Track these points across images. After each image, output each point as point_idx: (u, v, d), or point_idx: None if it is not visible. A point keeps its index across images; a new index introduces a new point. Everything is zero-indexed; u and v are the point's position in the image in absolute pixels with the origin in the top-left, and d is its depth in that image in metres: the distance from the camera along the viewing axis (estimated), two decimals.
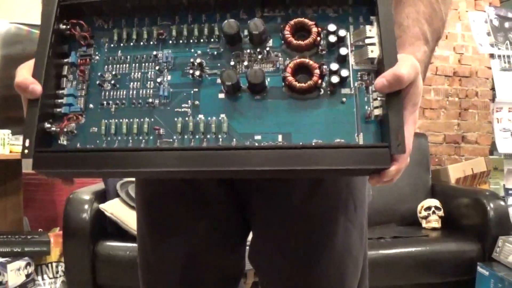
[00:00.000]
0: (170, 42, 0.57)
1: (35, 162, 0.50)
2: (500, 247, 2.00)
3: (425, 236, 2.21)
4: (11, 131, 2.11)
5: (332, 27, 0.53)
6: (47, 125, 0.53)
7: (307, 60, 0.52)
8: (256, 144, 0.51)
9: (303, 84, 0.51)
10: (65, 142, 0.54)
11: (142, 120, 0.54)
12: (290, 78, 0.51)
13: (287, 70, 0.52)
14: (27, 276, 1.95)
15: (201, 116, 0.53)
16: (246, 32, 0.54)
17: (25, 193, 2.44)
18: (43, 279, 2.05)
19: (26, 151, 0.50)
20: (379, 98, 0.50)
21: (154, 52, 0.56)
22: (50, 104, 0.54)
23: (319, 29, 0.53)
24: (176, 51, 0.56)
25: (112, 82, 0.56)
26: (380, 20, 0.50)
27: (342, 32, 0.53)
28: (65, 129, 0.54)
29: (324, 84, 0.52)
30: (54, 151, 0.53)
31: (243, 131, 0.52)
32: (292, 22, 0.53)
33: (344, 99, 0.52)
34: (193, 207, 0.76)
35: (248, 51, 0.55)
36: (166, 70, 0.56)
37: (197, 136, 0.52)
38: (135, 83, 0.56)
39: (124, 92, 0.55)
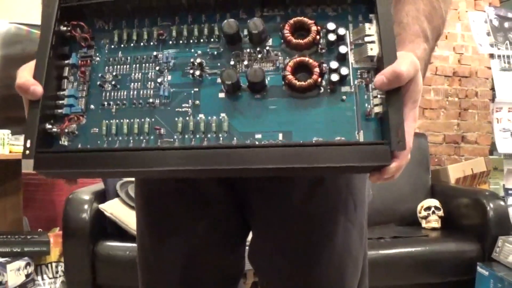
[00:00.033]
0: (170, 42, 0.57)
1: (36, 163, 0.51)
2: (499, 247, 2.00)
3: (425, 236, 2.21)
4: (10, 131, 2.11)
5: (331, 25, 0.53)
6: (48, 126, 0.53)
7: (306, 58, 0.52)
8: (257, 142, 0.51)
9: (303, 83, 0.51)
10: (66, 143, 0.54)
11: (142, 120, 0.54)
12: (290, 77, 0.52)
13: (287, 69, 0.52)
14: (27, 276, 1.95)
15: (201, 115, 0.53)
16: (245, 32, 0.55)
17: (25, 193, 2.44)
18: (42, 279, 2.05)
19: (27, 151, 0.50)
20: (379, 96, 0.50)
21: (155, 53, 0.56)
22: (51, 105, 0.54)
23: (319, 27, 0.53)
24: (176, 51, 0.56)
25: (113, 82, 0.56)
26: (379, 18, 0.50)
27: (341, 31, 0.53)
28: (66, 130, 0.54)
29: (324, 83, 0.52)
30: (55, 151, 0.53)
31: (243, 130, 0.52)
32: (291, 21, 0.54)
33: (344, 97, 0.52)
34: (193, 207, 0.76)
35: (248, 50, 0.55)
36: (166, 70, 0.56)
37: (197, 136, 0.52)
38: (136, 83, 0.56)
39: (125, 93, 0.56)
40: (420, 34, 0.59)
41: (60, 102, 0.55)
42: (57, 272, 2.08)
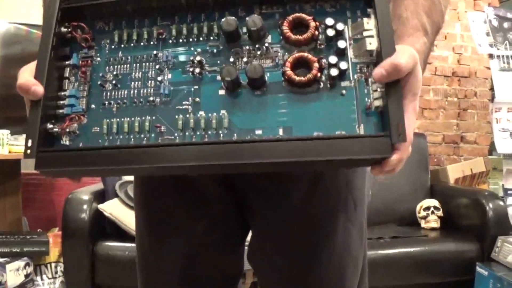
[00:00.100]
0: (170, 41, 0.57)
1: (38, 162, 0.51)
2: (499, 247, 2.00)
3: (424, 236, 2.21)
4: (10, 131, 2.11)
5: (330, 21, 0.53)
6: (49, 125, 0.53)
7: (306, 54, 0.52)
8: (256, 138, 0.51)
9: (302, 78, 0.51)
10: (67, 142, 0.55)
11: (143, 118, 0.54)
12: (290, 72, 0.52)
13: (286, 65, 0.52)
14: (26, 276, 1.95)
15: (201, 112, 0.53)
16: (244, 29, 0.55)
17: (24, 193, 2.44)
18: (42, 279, 2.05)
19: (28, 151, 0.50)
20: (378, 90, 0.50)
21: (155, 52, 0.57)
22: (52, 105, 0.55)
23: (317, 23, 0.53)
24: (176, 50, 0.57)
25: (114, 82, 0.56)
26: (377, 13, 0.51)
27: (340, 26, 0.53)
28: (67, 130, 0.54)
29: (323, 78, 0.52)
30: (56, 150, 0.53)
31: (244, 126, 0.52)
32: (290, 17, 0.54)
33: (344, 92, 0.52)
34: (192, 207, 0.76)
35: (247, 47, 0.55)
36: (166, 69, 0.56)
37: (198, 133, 0.53)
38: (136, 82, 0.56)
39: (125, 92, 0.56)
40: (420, 28, 0.59)
41: (61, 102, 0.55)
42: (56, 272, 2.08)
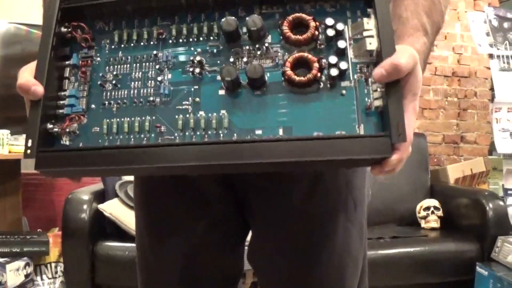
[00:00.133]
0: (170, 41, 0.57)
1: (38, 162, 0.51)
2: (499, 247, 2.00)
3: (424, 236, 2.21)
4: (10, 131, 2.11)
5: (330, 21, 0.53)
6: (49, 125, 0.53)
7: (306, 54, 0.52)
8: (256, 138, 0.51)
9: (302, 78, 0.51)
10: (67, 142, 0.55)
11: (143, 118, 0.54)
12: (289, 72, 0.52)
13: (286, 65, 0.52)
14: (26, 276, 1.95)
15: (201, 112, 0.53)
16: (244, 29, 0.55)
17: (24, 193, 2.44)
18: (42, 279, 2.05)
19: (28, 151, 0.50)
20: (378, 90, 0.50)
21: (155, 52, 0.57)
22: (52, 105, 0.55)
23: (317, 23, 0.53)
24: (176, 50, 0.57)
25: (114, 82, 0.56)
26: (377, 12, 0.51)
27: (340, 26, 0.53)
28: (67, 130, 0.54)
29: (323, 78, 0.52)
30: (56, 150, 0.53)
31: (244, 126, 0.52)
32: (290, 17, 0.54)
33: (344, 92, 0.52)
34: (192, 207, 0.76)
35: (247, 47, 0.55)
36: (166, 69, 0.56)
37: (198, 133, 0.53)
38: (136, 82, 0.56)
39: (125, 92, 0.56)
40: (420, 28, 0.59)
41: (61, 102, 0.55)
42: (56, 272, 2.08)
